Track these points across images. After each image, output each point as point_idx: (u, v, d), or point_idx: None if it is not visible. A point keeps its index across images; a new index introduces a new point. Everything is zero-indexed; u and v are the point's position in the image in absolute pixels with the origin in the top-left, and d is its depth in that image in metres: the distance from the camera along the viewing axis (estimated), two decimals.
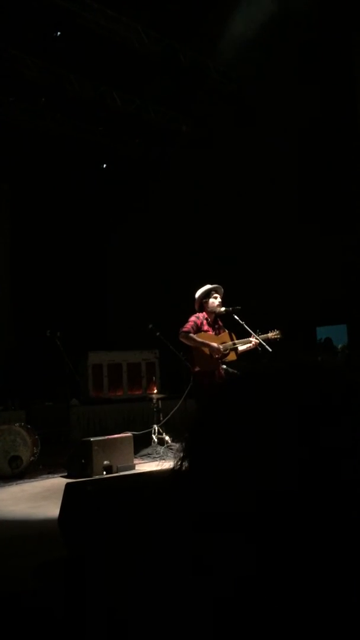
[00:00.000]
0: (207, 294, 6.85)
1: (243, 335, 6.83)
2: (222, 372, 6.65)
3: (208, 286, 6.91)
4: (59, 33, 10.59)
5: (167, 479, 0.55)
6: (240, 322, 6.72)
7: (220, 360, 6.66)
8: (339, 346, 10.75)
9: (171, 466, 0.56)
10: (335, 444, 0.48)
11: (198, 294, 6.90)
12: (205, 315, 6.85)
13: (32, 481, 7.64)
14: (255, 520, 0.47)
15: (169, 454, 8.84)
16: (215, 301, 6.85)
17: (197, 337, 6.63)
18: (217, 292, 6.92)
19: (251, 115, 11.72)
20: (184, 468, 0.54)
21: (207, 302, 6.85)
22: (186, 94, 12.38)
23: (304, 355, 0.57)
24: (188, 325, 6.68)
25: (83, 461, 7.50)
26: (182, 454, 0.56)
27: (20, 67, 10.86)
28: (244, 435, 0.50)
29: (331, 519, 0.46)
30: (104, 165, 14.68)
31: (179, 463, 0.55)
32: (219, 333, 6.87)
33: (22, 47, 10.58)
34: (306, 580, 0.46)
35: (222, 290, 6.98)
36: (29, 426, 8.48)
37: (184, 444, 0.57)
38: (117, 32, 10.42)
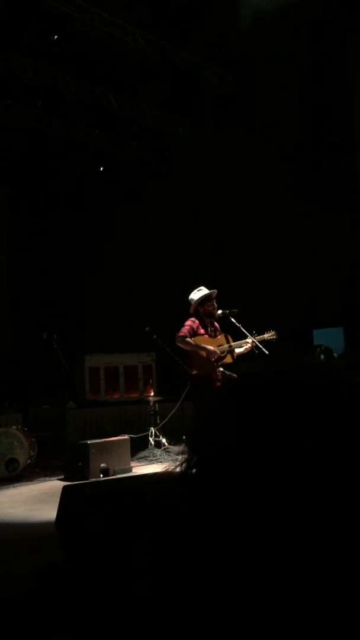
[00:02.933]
0: (203, 302, 6.82)
1: (240, 337, 6.82)
2: (220, 375, 6.64)
3: (204, 291, 6.85)
4: (55, 36, 10.60)
5: (173, 482, 0.55)
6: (237, 324, 6.73)
7: (217, 363, 6.66)
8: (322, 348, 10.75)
9: (172, 469, 0.56)
10: (344, 443, 0.48)
11: (194, 299, 6.86)
12: (201, 319, 6.85)
13: (29, 484, 7.62)
14: (268, 521, 0.47)
15: (166, 457, 8.84)
16: (211, 307, 6.84)
17: (193, 341, 6.62)
18: (213, 297, 6.91)
19: (248, 117, 11.74)
20: (190, 471, 0.54)
21: (203, 308, 6.83)
22: (182, 96, 12.39)
23: (304, 357, 0.57)
24: (184, 330, 6.67)
25: (80, 464, 7.48)
26: (187, 457, 0.55)
27: (17, 70, 10.86)
28: (252, 436, 0.50)
29: (345, 515, 0.46)
30: (101, 168, 14.69)
31: (185, 466, 0.55)
32: (216, 336, 6.87)
33: (19, 50, 10.58)
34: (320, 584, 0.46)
35: (216, 292, 6.97)
36: (25, 429, 8.46)
37: (189, 447, 0.57)
38: (113, 35, 10.43)
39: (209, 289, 6.88)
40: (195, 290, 6.91)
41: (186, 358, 6.90)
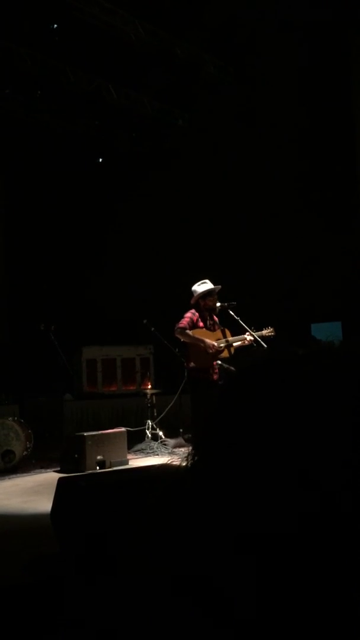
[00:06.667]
0: (205, 296, 6.82)
1: (238, 331, 6.82)
2: (217, 368, 6.64)
3: (208, 285, 6.84)
4: (55, 25, 10.52)
5: (178, 476, 0.52)
6: (236, 317, 6.71)
7: (215, 357, 6.66)
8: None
9: (177, 463, 0.53)
10: None
11: (198, 291, 6.83)
12: (201, 312, 6.84)
13: (25, 475, 7.61)
14: (274, 516, 0.44)
15: (162, 450, 8.84)
16: (211, 302, 6.84)
17: (192, 333, 6.62)
18: (215, 292, 6.90)
19: (248, 109, 11.69)
20: (196, 466, 0.51)
21: (205, 301, 6.83)
22: (182, 88, 12.33)
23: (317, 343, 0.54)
24: (184, 322, 6.67)
25: (76, 456, 7.47)
26: (193, 452, 0.52)
27: (16, 59, 10.78)
28: (263, 428, 0.47)
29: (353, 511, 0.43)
30: (100, 160, 14.62)
31: (191, 460, 0.52)
32: (214, 329, 6.86)
33: (18, 39, 10.50)
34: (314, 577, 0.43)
35: (220, 288, 6.97)
36: (22, 420, 8.45)
37: (194, 441, 0.54)
38: (113, 24, 10.35)
39: (214, 284, 6.87)
40: (199, 282, 6.90)
41: (184, 350, 6.90)
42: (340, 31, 10.52)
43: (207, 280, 6.89)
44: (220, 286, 6.89)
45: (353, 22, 10.40)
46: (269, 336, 6.86)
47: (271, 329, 6.91)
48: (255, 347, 6.66)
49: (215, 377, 6.61)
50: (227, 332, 6.85)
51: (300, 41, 10.50)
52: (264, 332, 6.85)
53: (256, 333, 6.77)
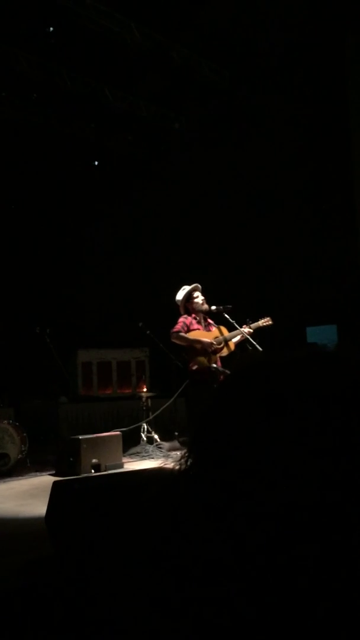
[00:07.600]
0: (188, 297, 6.90)
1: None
2: (214, 370, 6.64)
3: (186, 288, 6.95)
4: (51, 28, 10.53)
5: (171, 479, 0.52)
6: (231, 320, 6.74)
7: (215, 355, 6.68)
8: None
9: (170, 466, 0.53)
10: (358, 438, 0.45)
11: (179, 298, 6.94)
12: (193, 315, 6.87)
13: (20, 479, 7.59)
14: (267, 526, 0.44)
15: (157, 453, 8.83)
16: (198, 300, 6.90)
17: (188, 336, 6.64)
18: (196, 291, 6.98)
19: (244, 113, 11.72)
20: (189, 469, 0.51)
21: (190, 304, 6.90)
22: (178, 91, 12.35)
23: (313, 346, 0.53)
24: (177, 326, 6.73)
25: (71, 459, 7.46)
26: (186, 455, 0.52)
27: (12, 62, 10.78)
28: (256, 431, 0.47)
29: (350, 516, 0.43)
30: (96, 163, 14.63)
31: (184, 464, 0.52)
32: (210, 330, 6.89)
33: (14, 42, 10.50)
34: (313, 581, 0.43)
35: (200, 287, 7.03)
36: (17, 423, 8.43)
37: (187, 444, 0.54)
38: (110, 28, 10.37)
39: (190, 285, 6.98)
40: (179, 291, 7.00)
41: (184, 354, 6.92)
42: (338, 34, 10.55)
43: (184, 286, 7.02)
44: (197, 284, 6.99)
45: (350, 26, 10.42)
46: (267, 325, 6.91)
47: (268, 318, 6.96)
48: (250, 349, 6.67)
49: (221, 377, 6.61)
50: (224, 330, 6.88)
51: (297, 44, 10.53)
52: (261, 322, 6.90)
53: (253, 324, 6.82)
